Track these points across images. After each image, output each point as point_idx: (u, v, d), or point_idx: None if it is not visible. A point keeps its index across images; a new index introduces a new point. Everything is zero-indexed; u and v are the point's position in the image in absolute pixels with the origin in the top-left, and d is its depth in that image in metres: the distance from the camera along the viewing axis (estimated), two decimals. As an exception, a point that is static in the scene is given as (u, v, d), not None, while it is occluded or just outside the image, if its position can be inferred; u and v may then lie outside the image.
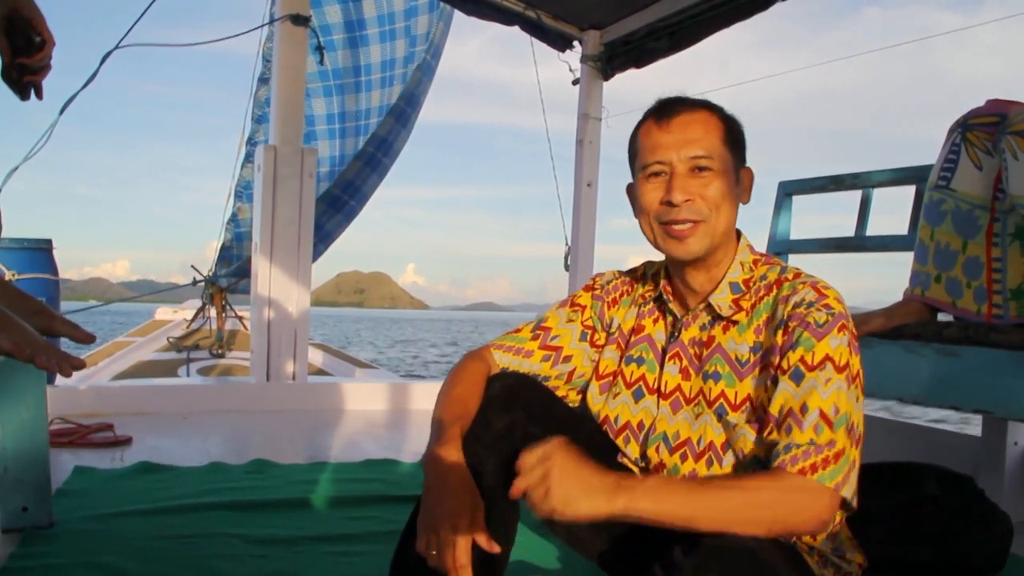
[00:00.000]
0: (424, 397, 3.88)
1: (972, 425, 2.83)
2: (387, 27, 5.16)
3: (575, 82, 4.20)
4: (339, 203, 5.44)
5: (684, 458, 1.14)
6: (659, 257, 1.22)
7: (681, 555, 0.91)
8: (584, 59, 4.14)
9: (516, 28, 4.00)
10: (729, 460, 1.10)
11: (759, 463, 1.07)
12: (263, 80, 4.97)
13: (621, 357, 1.25)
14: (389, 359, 25.19)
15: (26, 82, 1.36)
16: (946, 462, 1.64)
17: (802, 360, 1.03)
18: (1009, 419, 2.13)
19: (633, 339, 1.25)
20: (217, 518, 1.88)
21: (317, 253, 5.15)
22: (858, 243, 2.51)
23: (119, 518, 1.86)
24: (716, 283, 1.16)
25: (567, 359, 1.27)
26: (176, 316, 6.95)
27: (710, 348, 1.15)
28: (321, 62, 4.85)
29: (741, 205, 1.17)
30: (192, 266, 5.59)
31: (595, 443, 1.17)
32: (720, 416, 1.11)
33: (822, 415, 0.99)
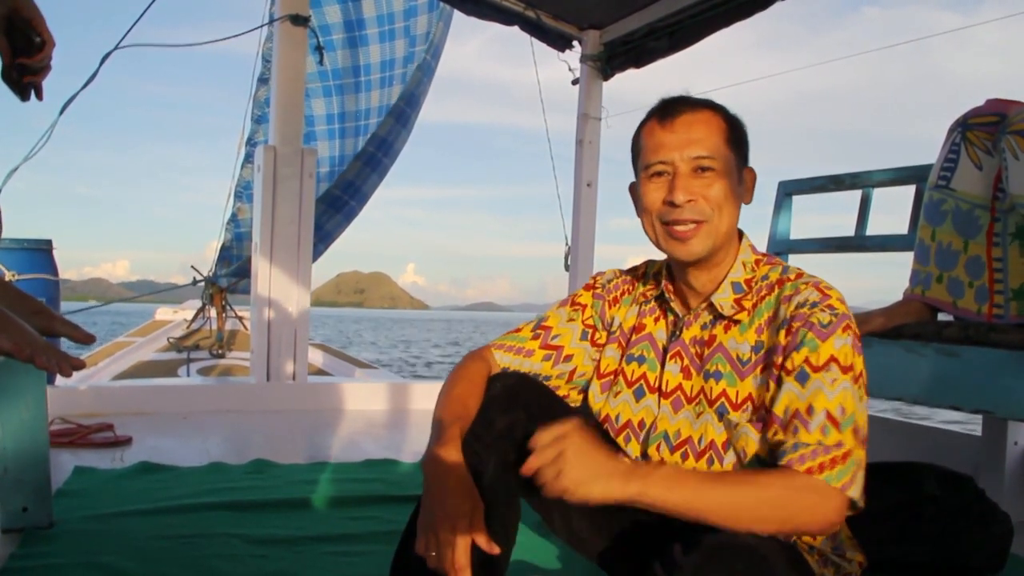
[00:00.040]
0: (424, 397, 3.88)
1: (972, 425, 2.83)
2: (387, 27, 5.16)
3: (575, 82, 4.21)
4: (339, 203, 5.44)
5: (685, 457, 1.14)
6: (660, 256, 1.22)
7: (681, 553, 0.91)
8: (584, 59, 4.14)
9: (516, 28, 4.00)
10: (730, 459, 1.10)
11: (760, 462, 1.07)
12: (263, 80, 4.97)
13: (622, 356, 1.25)
14: (392, 359, 25.19)
15: (26, 83, 1.36)
16: (946, 462, 1.64)
17: (807, 361, 1.03)
18: (1009, 419, 2.13)
19: (634, 338, 1.25)
20: (217, 518, 1.88)
21: (317, 253, 5.15)
22: (858, 243, 2.51)
23: (119, 518, 1.86)
24: (718, 283, 1.16)
25: (568, 358, 1.27)
26: (176, 316, 6.95)
27: (711, 347, 1.15)
28: (321, 62, 4.85)
29: (743, 205, 1.17)
30: (192, 266, 5.59)
31: (596, 442, 1.17)
32: (721, 415, 1.11)
33: (829, 416, 0.99)
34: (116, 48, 3.42)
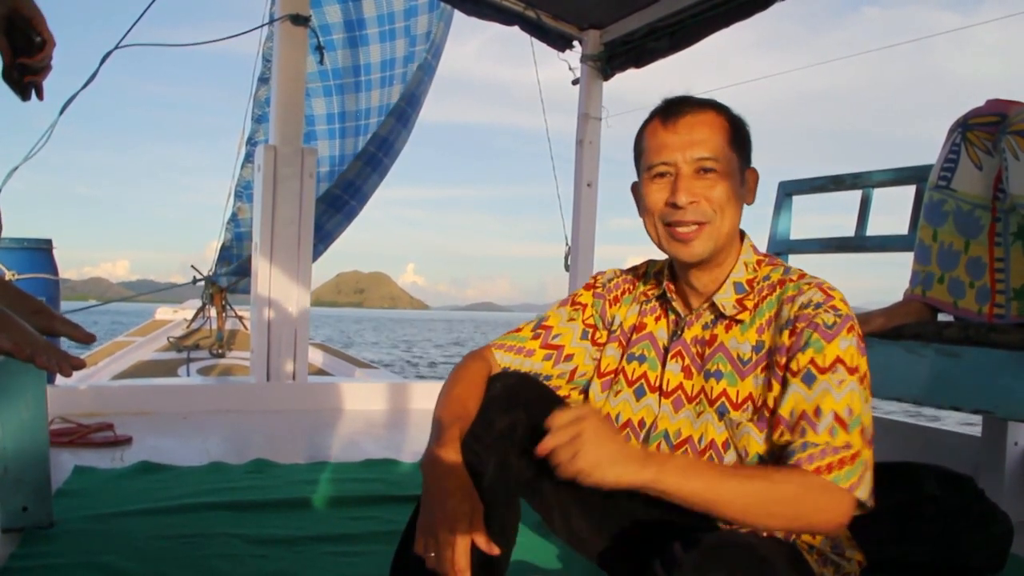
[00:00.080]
0: (424, 397, 3.88)
1: (972, 425, 2.83)
2: (387, 27, 5.16)
3: (575, 82, 4.20)
4: (339, 203, 5.44)
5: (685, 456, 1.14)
6: (660, 255, 1.22)
7: (681, 551, 0.91)
8: (584, 59, 4.14)
9: (516, 28, 4.00)
10: (730, 459, 1.10)
11: (761, 462, 1.07)
12: (263, 80, 4.97)
13: (623, 355, 1.25)
14: (395, 359, 25.18)
15: (27, 82, 1.36)
16: (946, 462, 1.64)
17: (812, 362, 1.03)
18: (1009, 419, 2.13)
19: (635, 337, 1.25)
20: (217, 518, 1.88)
21: (317, 253, 5.15)
22: (858, 243, 2.51)
23: (119, 518, 1.86)
24: (720, 283, 1.16)
25: (569, 358, 1.27)
26: (176, 316, 6.95)
27: (712, 347, 1.15)
28: (321, 62, 4.85)
29: (745, 206, 1.17)
30: (192, 266, 5.59)
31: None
32: (721, 415, 1.11)
33: (836, 418, 1.00)
34: (116, 48, 3.42)
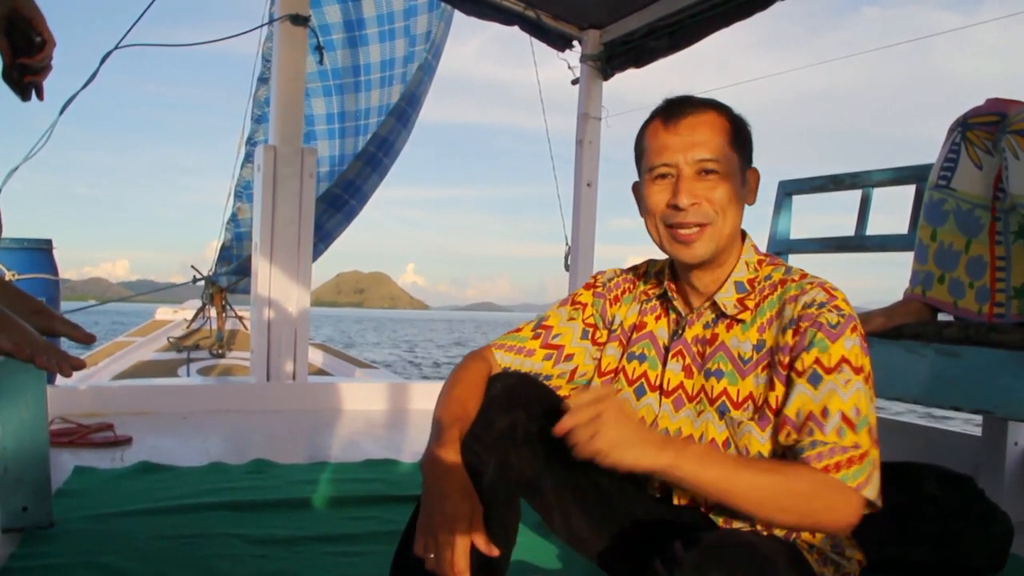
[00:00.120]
0: (424, 397, 3.88)
1: (972, 425, 2.83)
2: (387, 27, 5.16)
3: (575, 82, 4.21)
4: (339, 203, 5.44)
5: (685, 456, 1.14)
6: (661, 255, 1.22)
7: (682, 549, 0.91)
8: (584, 59, 4.14)
9: (516, 28, 4.00)
10: (731, 458, 1.10)
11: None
12: (263, 80, 4.97)
13: (623, 354, 1.25)
14: (397, 359, 25.17)
15: (27, 82, 1.36)
16: (946, 462, 1.64)
17: (818, 362, 1.03)
18: (1009, 419, 2.13)
19: (635, 336, 1.25)
20: (217, 518, 1.88)
21: (317, 253, 5.15)
22: (858, 243, 2.51)
23: (119, 518, 1.86)
24: (721, 283, 1.16)
25: (569, 357, 1.27)
26: (176, 316, 6.95)
27: (713, 346, 1.15)
28: (321, 62, 4.86)
29: (746, 206, 1.17)
30: (192, 266, 5.59)
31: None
32: (722, 414, 1.12)
33: (844, 418, 1.00)
34: (116, 48, 3.42)
